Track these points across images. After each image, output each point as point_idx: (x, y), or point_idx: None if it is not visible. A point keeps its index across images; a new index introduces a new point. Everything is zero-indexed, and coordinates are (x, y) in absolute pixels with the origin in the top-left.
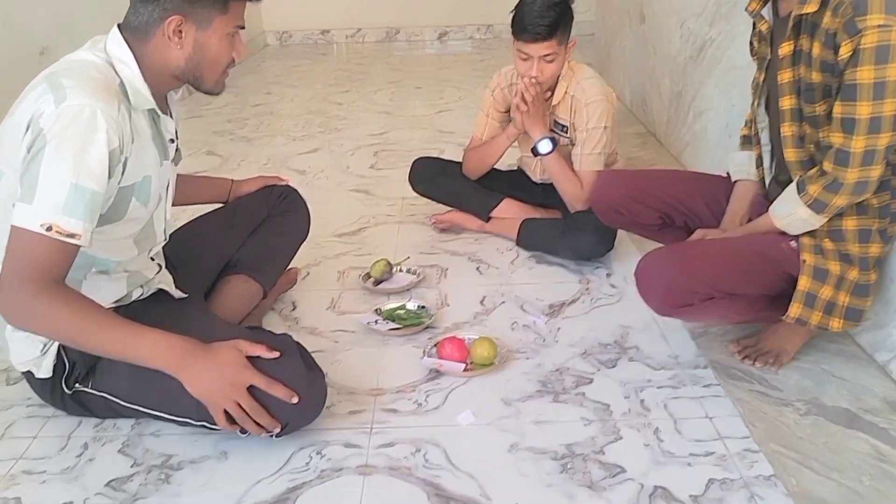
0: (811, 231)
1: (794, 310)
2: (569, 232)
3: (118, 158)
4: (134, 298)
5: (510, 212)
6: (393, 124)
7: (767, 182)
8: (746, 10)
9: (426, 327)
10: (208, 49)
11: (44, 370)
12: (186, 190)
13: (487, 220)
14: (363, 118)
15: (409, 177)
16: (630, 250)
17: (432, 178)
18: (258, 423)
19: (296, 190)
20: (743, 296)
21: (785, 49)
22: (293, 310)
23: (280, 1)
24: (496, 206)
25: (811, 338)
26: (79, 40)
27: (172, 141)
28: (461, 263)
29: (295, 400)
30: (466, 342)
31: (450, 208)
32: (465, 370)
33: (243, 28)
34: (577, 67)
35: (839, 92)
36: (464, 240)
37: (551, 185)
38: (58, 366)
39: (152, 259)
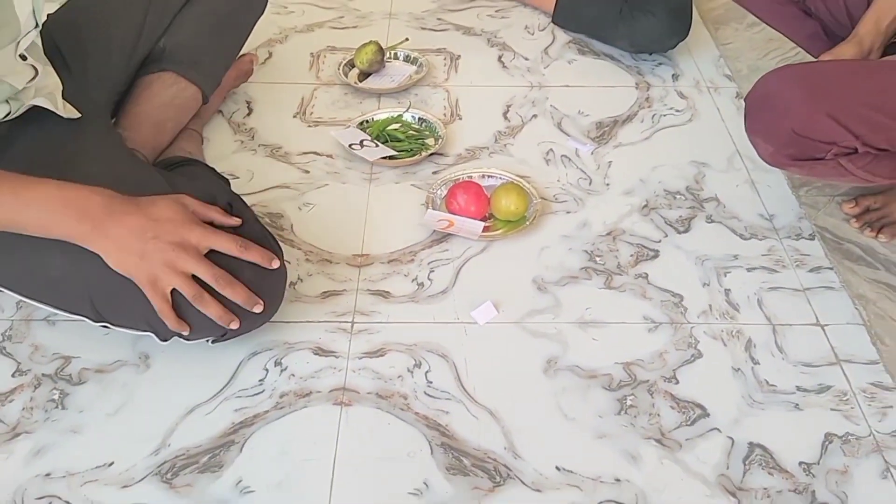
0: None
1: None
2: (629, 15)
3: None
4: (1, 118)
5: None
6: None
7: None
8: None
9: (431, 154)
10: None
11: None
12: None
13: None
14: None
15: None
16: (703, 39)
17: None
18: (223, 305)
19: None
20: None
21: None
22: (248, 115)
23: None
24: None
25: None
26: None
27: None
28: (478, 48)
29: (276, 264)
30: (485, 188)
31: None
32: (485, 230)
33: None
34: None
35: None
36: (482, 7)
37: None
38: None
39: (23, 58)
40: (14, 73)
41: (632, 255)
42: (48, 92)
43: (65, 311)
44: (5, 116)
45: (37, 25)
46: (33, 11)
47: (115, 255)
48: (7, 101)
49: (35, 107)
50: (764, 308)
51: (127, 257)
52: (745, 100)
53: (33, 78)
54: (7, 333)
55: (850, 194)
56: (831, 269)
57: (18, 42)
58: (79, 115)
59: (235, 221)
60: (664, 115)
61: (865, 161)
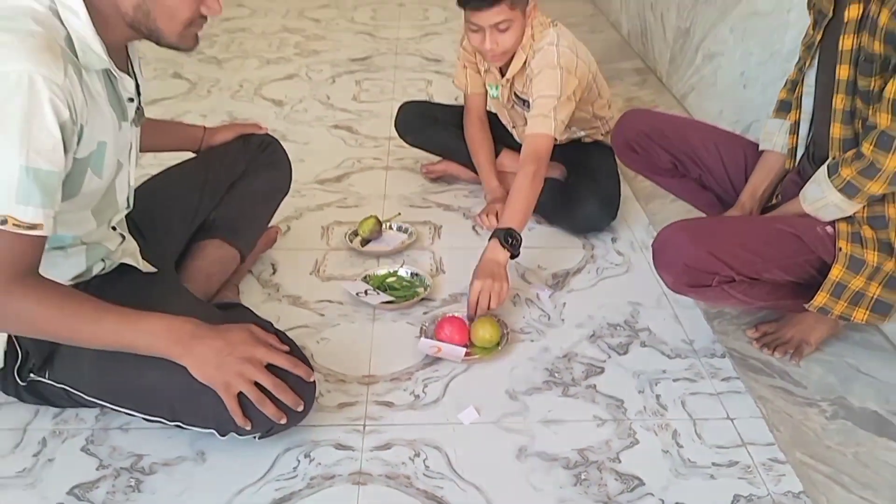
0: (849, 217)
1: (820, 299)
2: (566, 205)
3: (72, 130)
4: (95, 274)
5: (507, 164)
6: (375, 48)
7: (799, 155)
8: None
9: (421, 299)
10: None
11: None
12: (153, 136)
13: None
14: (343, 39)
15: (396, 125)
16: (636, 211)
17: (422, 128)
18: (276, 406)
19: (276, 140)
20: (767, 281)
21: (853, 12)
22: (273, 273)
23: None
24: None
25: (837, 330)
26: None
27: (132, 100)
28: (455, 221)
29: (312, 378)
30: (466, 321)
31: (440, 157)
32: (467, 355)
33: None
34: (540, 34)
35: None
36: (457, 191)
37: None
38: (9, 354)
39: (114, 229)
40: (108, 239)
41: (583, 372)
42: (130, 253)
43: (145, 414)
44: (101, 271)
45: (128, 207)
46: (127, 198)
47: (200, 368)
48: (103, 260)
49: (122, 263)
50: (686, 407)
51: (209, 369)
52: (651, 245)
53: (121, 243)
54: (90, 439)
55: (751, 323)
56: (738, 378)
57: (113, 218)
58: (155, 269)
59: (286, 348)
60: (606, 268)
61: (743, 287)
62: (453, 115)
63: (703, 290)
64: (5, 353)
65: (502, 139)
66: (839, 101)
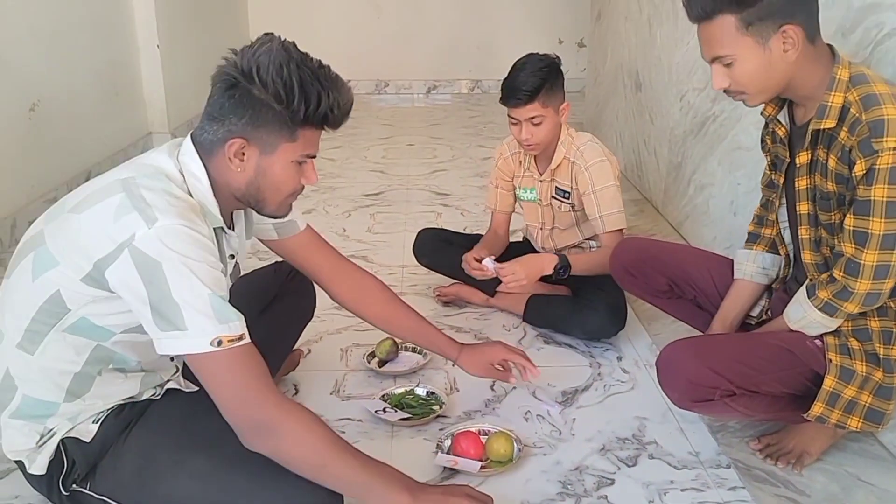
0: (835, 330)
1: (817, 409)
2: (579, 311)
3: (221, 271)
4: (145, 398)
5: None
6: (388, 184)
7: (788, 279)
8: (762, 114)
9: (437, 416)
10: (271, 175)
11: (37, 466)
12: (417, 332)
13: (493, 294)
14: (357, 177)
15: (414, 248)
16: (639, 331)
17: (437, 250)
18: None
19: None
20: (766, 393)
21: (802, 158)
22: (296, 394)
23: None
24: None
25: (836, 439)
26: (70, 96)
27: (232, 257)
28: (468, 342)
29: None
30: (481, 437)
31: (453, 280)
32: (482, 468)
33: (314, 157)
34: (576, 134)
35: (852, 204)
36: (468, 314)
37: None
38: (55, 463)
39: (171, 359)
40: (165, 369)
41: (594, 483)
42: (175, 378)
43: None
44: (153, 395)
45: (177, 370)
46: (174, 357)
47: None
48: (154, 388)
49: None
50: None
51: None
52: (655, 363)
53: (174, 373)
54: None
55: (754, 435)
56: (744, 488)
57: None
58: (195, 388)
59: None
60: (612, 385)
61: (744, 400)
62: (466, 241)
63: (707, 405)
64: (51, 461)
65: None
66: (804, 232)
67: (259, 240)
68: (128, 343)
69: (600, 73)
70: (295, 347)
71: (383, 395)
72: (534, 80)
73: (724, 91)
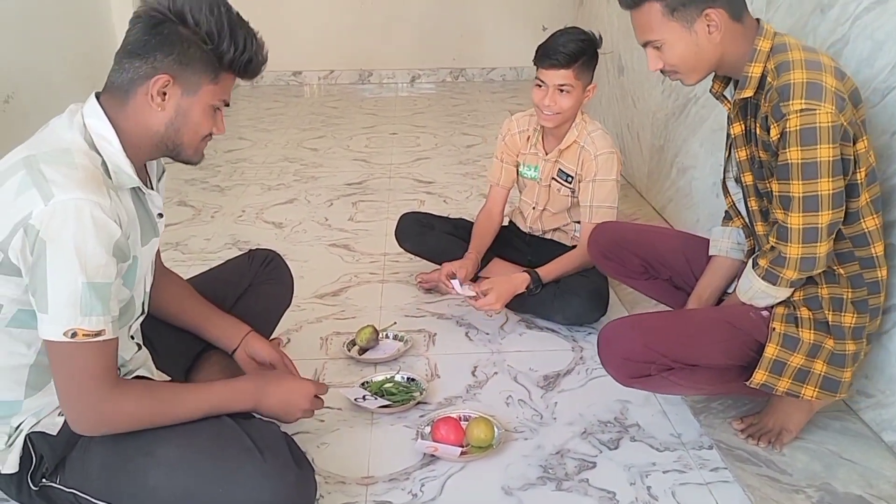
0: (787, 300)
1: (759, 376)
2: (560, 296)
3: (125, 242)
4: None
5: (499, 272)
6: (370, 173)
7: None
8: (710, 91)
9: (417, 403)
10: (190, 116)
11: (9, 465)
12: (194, 318)
13: (475, 280)
14: (339, 166)
15: (396, 233)
16: (621, 315)
17: (419, 234)
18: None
19: (278, 255)
20: (707, 367)
21: (736, 129)
22: None
23: None
24: (484, 266)
25: (813, 414)
26: (45, 88)
27: (161, 215)
28: (449, 328)
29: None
30: (462, 422)
31: (436, 266)
32: (462, 454)
33: (228, 105)
34: (589, 120)
35: (776, 171)
36: (451, 301)
37: (540, 238)
38: (24, 459)
39: (131, 338)
40: (125, 349)
41: (575, 467)
42: (144, 363)
43: None
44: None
45: (143, 313)
46: (143, 303)
47: (267, 411)
48: (119, 368)
49: (137, 375)
50: (676, 497)
51: (274, 412)
52: (597, 341)
53: (136, 352)
54: None
55: (737, 416)
56: (726, 468)
57: (131, 325)
58: (168, 378)
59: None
60: (595, 369)
61: (683, 374)
62: (448, 225)
63: (646, 380)
64: (20, 458)
65: (499, 250)
66: (753, 203)
67: None
68: None
69: None
70: (274, 336)
71: (363, 383)
72: (573, 46)
73: (661, 72)
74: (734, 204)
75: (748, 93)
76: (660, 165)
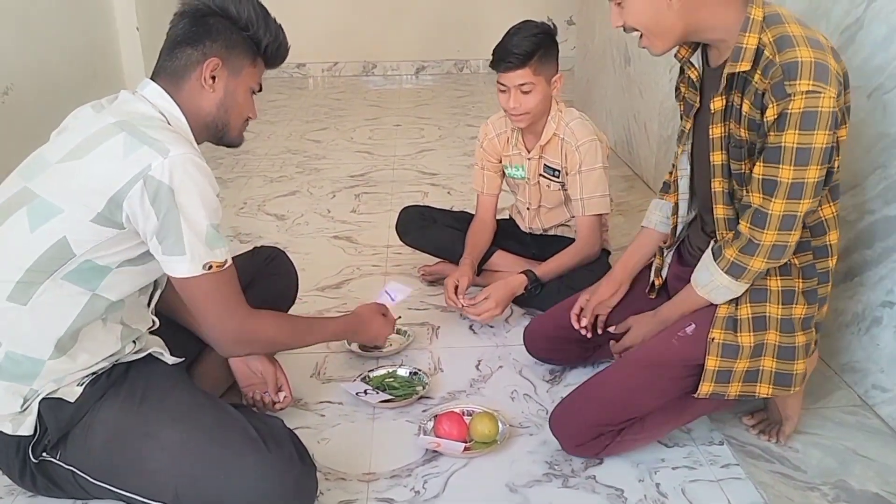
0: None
1: (705, 387)
2: (565, 291)
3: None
4: (127, 353)
5: (502, 264)
6: (373, 164)
7: (679, 232)
8: (675, 56)
9: (420, 397)
10: (236, 97)
11: (26, 427)
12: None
13: (479, 273)
14: (342, 158)
15: (397, 227)
16: None
17: (420, 228)
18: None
19: (282, 251)
20: (658, 410)
21: (717, 104)
22: None
23: None
24: (487, 259)
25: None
26: (46, 79)
27: None
28: (453, 321)
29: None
30: (465, 417)
31: (438, 259)
32: (465, 450)
33: (261, 91)
34: (566, 110)
35: (762, 152)
36: None
37: (541, 235)
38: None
39: (149, 307)
40: (142, 320)
41: (582, 463)
42: (158, 342)
43: (147, 499)
44: (132, 351)
45: (162, 287)
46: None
47: (363, 337)
48: (133, 341)
49: (149, 355)
50: (686, 495)
51: (368, 338)
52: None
53: (150, 327)
54: None
55: (748, 411)
56: (738, 465)
57: (151, 296)
58: (182, 359)
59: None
60: (601, 363)
61: (635, 429)
62: (450, 218)
63: (609, 448)
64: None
65: (501, 242)
66: (717, 185)
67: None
68: (124, 277)
69: (589, 49)
70: None
71: (364, 377)
72: (527, 44)
73: (624, 30)
74: (677, 179)
75: (744, 66)
76: (668, 156)
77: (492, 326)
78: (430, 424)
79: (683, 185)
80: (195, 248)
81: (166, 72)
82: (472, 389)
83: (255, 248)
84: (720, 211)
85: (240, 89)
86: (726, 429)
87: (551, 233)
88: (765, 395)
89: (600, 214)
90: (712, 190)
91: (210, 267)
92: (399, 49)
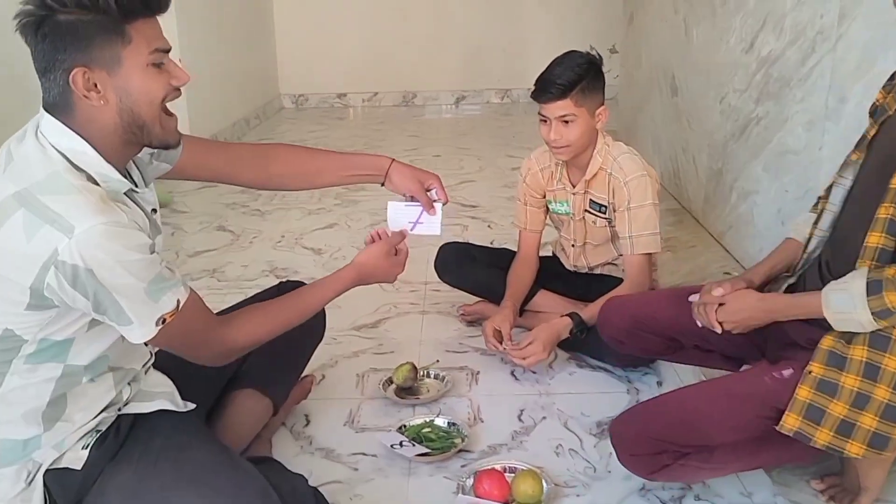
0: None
1: (790, 421)
2: None
3: (152, 244)
4: (126, 399)
5: (546, 305)
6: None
7: (814, 244)
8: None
9: (459, 451)
10: (132, 89)
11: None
12: (330, 163)
13: (521, 313)
14: (381, 190)
15: (436, 265)
16: None
17: (460, 266)
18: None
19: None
20: (729, 444)
21: None
22: (306, 425)
23: (296, 64)
24: (530, 299)
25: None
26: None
27: (154, 210)
28: (493, 365)
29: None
30: (507, 475)
31: (478, 298)
32: None
33: (168, 50)
34: (613, 144)
35: None
36: None
37: (587, 274)
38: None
39: (146, 344)
40: (136, 357)
41: None
42: (164, 387)
43: None
44: (130, 396)
45: (151, 356)
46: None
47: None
48: (129, 384)
49: (161, 411)
50: None
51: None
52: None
53: (147, 361)
54: None
55: (816, 474)
56: None
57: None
58: (195, 405)
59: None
60: None
61: (701, 457)
62: (490, 256)
63: (666, 472)
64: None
65: (545, 281)
66: (884, 210)
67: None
68: (91, 341)
69: (634, 77)
70: (306, 373)
71: (401, 428)
72: (569, 75)
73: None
74: (832, 186)
75: None
76: (718, 190)
77: (534, 372)
78: (470, 482)
79: (838, 194)
80: (140, 313)
81: (52, 106)
82: (514, 443)
83: (281, 282)
84: (875, 238)
85: (132, 77)
86: (791, 493)
87: (597, 271)
88: (854, 455)
89: (650, 253)
90: (876, 215)
91: (164, 320)
92: (439, 78)
